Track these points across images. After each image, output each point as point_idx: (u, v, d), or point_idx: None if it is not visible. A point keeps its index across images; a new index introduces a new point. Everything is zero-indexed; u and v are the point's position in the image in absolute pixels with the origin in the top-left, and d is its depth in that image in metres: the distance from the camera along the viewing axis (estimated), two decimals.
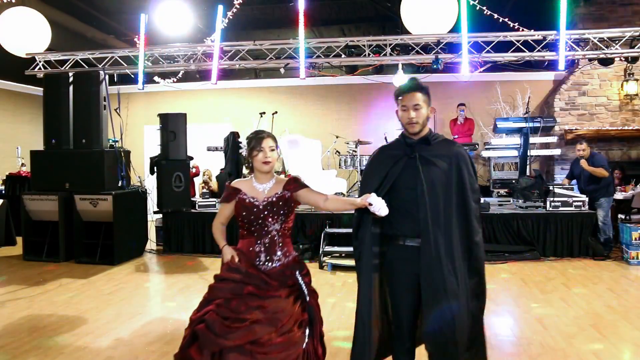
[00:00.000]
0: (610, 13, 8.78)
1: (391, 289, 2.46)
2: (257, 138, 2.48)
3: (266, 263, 2.44)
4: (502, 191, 8.58)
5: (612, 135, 8.76)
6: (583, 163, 6.61)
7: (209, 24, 8.52)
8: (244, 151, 2.55)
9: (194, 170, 9.16)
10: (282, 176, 2.70)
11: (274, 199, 2.46)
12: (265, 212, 2.43)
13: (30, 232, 6.82)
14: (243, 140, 2.69)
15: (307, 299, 2.45)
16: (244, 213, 2.44)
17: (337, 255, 6.37)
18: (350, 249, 6.42)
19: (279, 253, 2.47)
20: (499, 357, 3.40)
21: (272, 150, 2.48)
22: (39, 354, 3.53)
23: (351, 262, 6.06)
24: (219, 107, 10.88)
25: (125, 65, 7.33)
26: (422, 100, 2.40)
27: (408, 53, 6.85)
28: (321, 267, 6.12)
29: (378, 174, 2.45)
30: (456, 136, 8.74)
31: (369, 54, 6.88)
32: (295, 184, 2.52)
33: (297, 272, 2.47)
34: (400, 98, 2.42)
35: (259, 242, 2.45)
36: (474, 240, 2.34)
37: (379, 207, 2.24)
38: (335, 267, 6.07)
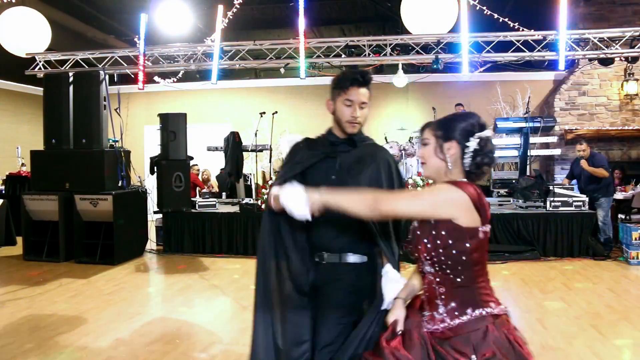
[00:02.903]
0: (610, 13, 8.77)
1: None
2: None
3: (429, 321, 1.61)
4: (502, 191, 8.57)
5: (612, 135, 8.76)
6: (583, 163, 6.61)
7: (209, 24, 8.52)
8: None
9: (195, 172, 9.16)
10: None
11: None
12: None
13: (30, 232, 6.81)
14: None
15: None
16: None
17: None
18: None
19: (440, 308, 1.58)
20: None
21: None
22: (39, 354, 3.53)
23: None
24: (219, 107, 10.88)
25: (125, 65, 7.33)
26: (368, 98, 2.01)
27: (408, 53, 6.85)
28: None
29: (294, 168, 2.06)
30: None
31: (369, 54, 6.88)
32: None
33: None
34: (345, 90, 1.97)
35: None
36: None
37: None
38: None
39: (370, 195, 1.60)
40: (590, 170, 6.56)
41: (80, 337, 3.87)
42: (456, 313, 1.53)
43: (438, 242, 1.53)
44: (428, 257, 1.56)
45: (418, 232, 1.60)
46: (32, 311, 4.53)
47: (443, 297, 1.56)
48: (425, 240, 1.55)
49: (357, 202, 1.61)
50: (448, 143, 1.60)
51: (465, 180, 1.60)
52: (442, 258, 1.53)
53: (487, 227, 1.56)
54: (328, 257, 1.99)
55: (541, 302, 4.66)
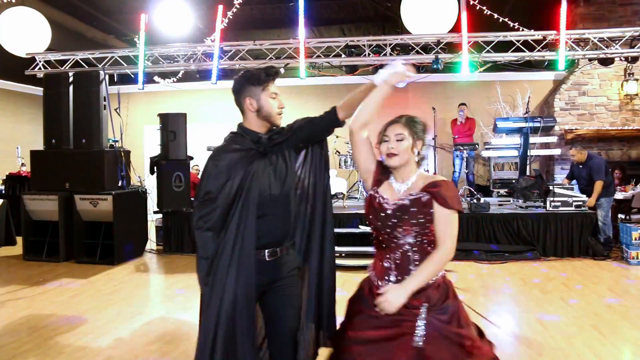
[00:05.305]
0: (610, 13, 8.78)
1: None
2: (385, 124, 2.04)
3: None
4: (502, 191, 8.58)
5: (612, 135, 8.76)
6: (590, 203, 6.52)
7: (209, 24, 8.52)
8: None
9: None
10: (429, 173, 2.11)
11: (407, 201, 1.92)
12: (394, 220, 1.92)
13: (30, 232, 6.82)
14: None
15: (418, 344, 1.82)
16: (371, 216, 1.99)
17: (337, 255, 6.36)
18: (351, 249, 6.44)
19: (412, 272, 1.93)
20: (498, 357, 3.40)
21: (401, 140, 1.96)
22: (39, 354, 3.53)
23: (351, 262, 6.07)
24: (219, 107, 10.87)
25: (125, 65, 7.33)
26: None
27: (408, 53, 6.85)
28: None
29: (233, 177, 2.05)
30: (456, 136, 8.73)
31: (369, 54, 6.88)
32: (438, 188, 1.91)
33: (425, 307, 1.87)
34: (267, 85, 2.12)
35: (388, 256, 1.97)
36: None
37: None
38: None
39: (440, 260, 1.90)
40: (595, 197, 6.49)
41: (80, 337, 3.87)
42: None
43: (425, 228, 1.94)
44: (412, 231, 1.91)
45: (405, 216, 1.91)
46: (32, 311, 4.53)
47: (416, 263, 1.91)
48: (414, 221, 1.90)
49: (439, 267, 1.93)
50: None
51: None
52: (422, 235, 1.92)
53: None
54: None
55: (541, 302, 4.66)
